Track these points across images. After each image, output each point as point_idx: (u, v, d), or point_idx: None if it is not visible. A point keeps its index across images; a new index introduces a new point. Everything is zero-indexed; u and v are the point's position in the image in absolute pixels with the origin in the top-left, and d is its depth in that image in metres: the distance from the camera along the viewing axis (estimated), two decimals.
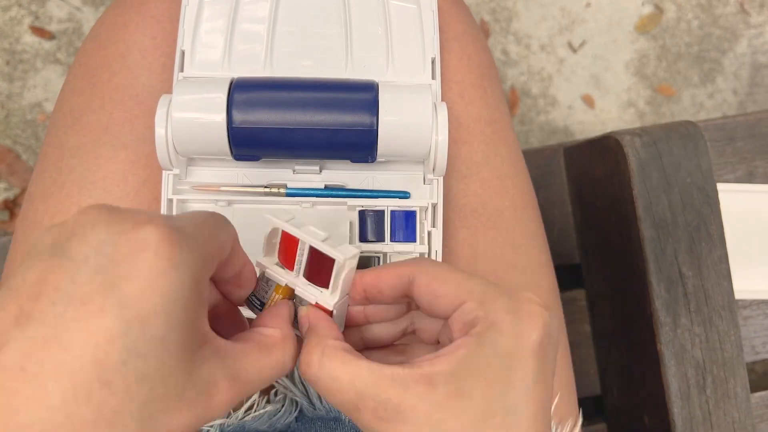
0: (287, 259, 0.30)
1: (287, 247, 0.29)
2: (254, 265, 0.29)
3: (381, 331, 0.31)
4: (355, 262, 0.29)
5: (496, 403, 0.24)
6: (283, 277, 0.30)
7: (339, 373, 0.25)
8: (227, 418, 0.38)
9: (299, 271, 0.29)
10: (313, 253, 0.29)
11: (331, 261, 0.28)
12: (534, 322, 0.26)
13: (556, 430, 0.40)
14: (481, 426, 0.24)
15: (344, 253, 0.28)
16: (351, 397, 0.25)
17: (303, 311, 0.29)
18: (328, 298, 0.29)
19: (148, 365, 0.21)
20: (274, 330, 0.27)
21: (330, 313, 0.29)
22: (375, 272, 0.29)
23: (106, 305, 0.20)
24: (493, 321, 0.25)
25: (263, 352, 0.26)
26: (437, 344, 0.30)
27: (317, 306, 0.29)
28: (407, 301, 0.30)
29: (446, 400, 0.24)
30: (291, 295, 0.30)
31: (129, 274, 0.21)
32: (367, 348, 0.31)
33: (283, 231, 0.29)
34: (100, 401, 0.20)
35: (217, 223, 0.25)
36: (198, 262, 0.23)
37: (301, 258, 0.29)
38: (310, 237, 0.28)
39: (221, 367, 0.24)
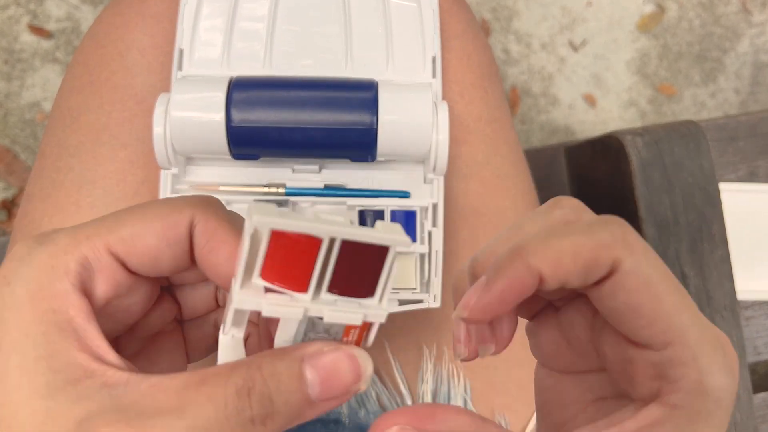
0: (289, 275, 0.19)
1: (289, 255, 0.19)
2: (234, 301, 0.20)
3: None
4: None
5: None
6: (293, 305, 0.19)
7: None
8: None
9: (321, 285, 0.20)
10: (346, 250, 0.19)
11: (374, 254, 0.19)
12: (734, 356, 0.20)
13: None
14: None
15: (395, 236, 0.19)
16: None
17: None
18: (379, 307, 0.20)
19: None
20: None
21: (368, 326, 0.21)
22: (551, 253, 0.19)
23: None
24: (710, 388, 0.19)
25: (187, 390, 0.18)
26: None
27: (364, 326, 0.20)
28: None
29: None
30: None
31: None
32: None
33: (275, 233, 0.19)
34: None
35: (129, 215, 0.20)
36: (42, 277, 0.19)
37: (325, 264, 0.19)
38: (339, 227, 0.19)
39: (109, 407, 0.18)
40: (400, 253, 0.37)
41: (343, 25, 0.38)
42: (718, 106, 1.20)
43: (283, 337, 0.20)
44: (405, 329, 0.39)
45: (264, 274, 0.19)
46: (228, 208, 0.37)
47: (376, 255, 0.19)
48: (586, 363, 0.22)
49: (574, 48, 1.18)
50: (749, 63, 1.21)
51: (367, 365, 0.20)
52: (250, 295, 0.19)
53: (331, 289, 0.20)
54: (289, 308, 0.19)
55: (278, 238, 0.19)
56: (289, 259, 0.19)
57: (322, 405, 0.19)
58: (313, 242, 0.19)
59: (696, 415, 0.18)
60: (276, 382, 0.18)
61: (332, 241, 0.19)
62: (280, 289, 0.19)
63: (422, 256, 0.37)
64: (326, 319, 0.20)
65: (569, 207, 0.21)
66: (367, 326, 0.20)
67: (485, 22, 1.17)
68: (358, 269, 0.20)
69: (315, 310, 0.20)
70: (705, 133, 0.51)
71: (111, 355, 0.19)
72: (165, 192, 0.36)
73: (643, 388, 0.19)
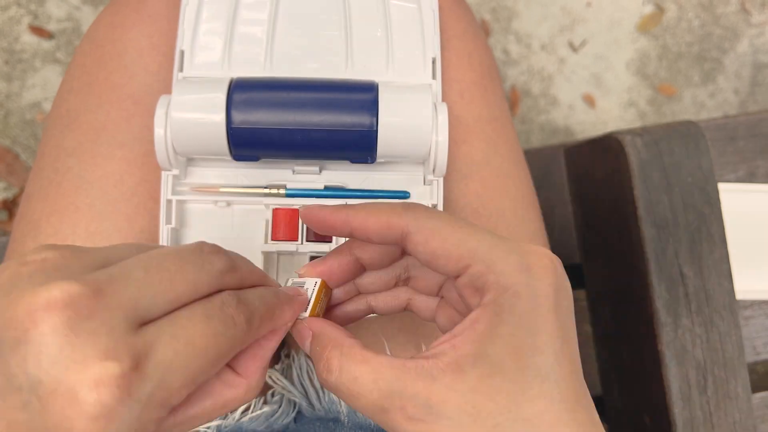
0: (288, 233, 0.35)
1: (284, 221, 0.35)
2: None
3: (373, 279, 0.29)
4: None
5: (529, 372, 0.22)
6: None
7: (359, 372, 0.23)
8: (224, 419, 0.38)
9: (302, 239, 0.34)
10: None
11: None
12: (547, 277, 0.24)
13: None
14: (520, 401, 0.22)
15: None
16: (375, 398, 0.23)
17: (300, 325, 0.27)
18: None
19: None
20: (240, 382, 0.25)
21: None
22: (363, 214, 0.26)
23: None
24: (506, 284, 0.23)
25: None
26: (437, 296, 0.29)
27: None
28: (400, 247, 0.28)
29: (478, 383, 0.22)
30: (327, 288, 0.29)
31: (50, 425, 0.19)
32: (360, 294, 0.30)
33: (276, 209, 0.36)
34: None
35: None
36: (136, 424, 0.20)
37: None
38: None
39: None
40: None
41: (343, 28, 0.38)
42: (718, 107, 1.20)
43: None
44: (404, 328, 0.39)
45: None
46: (229, 209, 0.37)
47: None
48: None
49: (574, 48, 1.18)
50: (748, 63, 1.21)
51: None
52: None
53: (308, 238, 0.35)
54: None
55: (276, 213, 0.35)
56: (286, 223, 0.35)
57: None
58: (295, 212, 0.34)
59: (499, 308, 0.23)
60: None
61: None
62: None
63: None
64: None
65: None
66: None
67: (485, 23, 1.17)
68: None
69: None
70: (704, 134, 0.51)
71: None
72: (166, 193, 0.36)
73: (472, 305, 0.25)
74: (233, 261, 0.24)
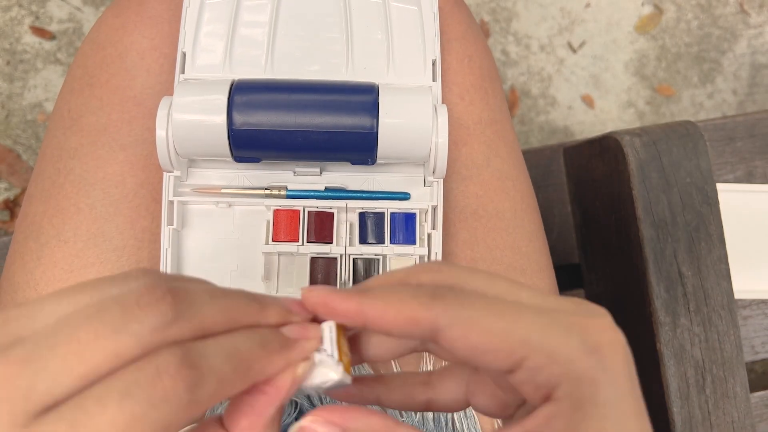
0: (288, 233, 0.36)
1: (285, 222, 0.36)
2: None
3: (381, 346, 0.24)
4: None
5: None
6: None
7: None
8: None
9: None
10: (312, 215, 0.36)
11: (328, 216, 0.36)
12: (619, 355, 0.21)
13: None
14: None
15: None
16: None
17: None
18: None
19: None
20: None
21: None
22: (380, 305, 0.21)
23: None
24: (579, 374, 0.20)
25: None
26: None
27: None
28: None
29: None
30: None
31: None
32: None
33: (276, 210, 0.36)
34: None
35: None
36: None
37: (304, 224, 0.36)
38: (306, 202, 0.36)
39: None
40: (400, 256, 0.37)
41: (343, 30, 0.39)
42: (716, 107, 1.20)
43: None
44: None
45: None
46: (230, 210, 0.37)
47: (329, 216, 0.35)
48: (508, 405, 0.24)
49: (573, 49, 1.19)
50: (747, 64, 1.22)
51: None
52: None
53: (309, 239, 0.36)
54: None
55: (277, 213, 0.36)
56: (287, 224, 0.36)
57: None
58: (296, 213, 0.36)
59: (578, 402, 0.20)
60: None
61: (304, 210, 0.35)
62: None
63: (421, 258, 0.37)
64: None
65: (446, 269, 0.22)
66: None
67: (484, 24, 1.17)
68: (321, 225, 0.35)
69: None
70: (703, 134, 0.51)
71: None
72: (167, 194, 0.36)
73: (536, 400, 0.21)
74: (181, 307, 0.19)
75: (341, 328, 0.22)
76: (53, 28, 1.08)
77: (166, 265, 0.36)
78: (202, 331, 0.19)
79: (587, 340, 0.20)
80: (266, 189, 0.37)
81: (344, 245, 0.37)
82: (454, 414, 0.38)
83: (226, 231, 0.38)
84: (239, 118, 0.34)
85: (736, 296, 0.51)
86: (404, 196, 0.38)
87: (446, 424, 0.38)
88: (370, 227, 0.37)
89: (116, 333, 0.18)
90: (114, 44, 0.41)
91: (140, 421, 0.17)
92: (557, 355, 0.20)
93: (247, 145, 0.34)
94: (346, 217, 0.38)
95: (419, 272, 0.22)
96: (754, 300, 0.60)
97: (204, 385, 0.18)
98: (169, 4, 0.41)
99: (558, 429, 0.20)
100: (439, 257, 0.37)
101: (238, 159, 0.36)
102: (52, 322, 0.18)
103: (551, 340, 0.20)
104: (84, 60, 0.42)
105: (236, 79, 0.35)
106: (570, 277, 0.62)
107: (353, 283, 0.37)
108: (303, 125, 0.34)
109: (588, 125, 1.17)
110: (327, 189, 0.38)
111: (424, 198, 0.38)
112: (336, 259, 0.37)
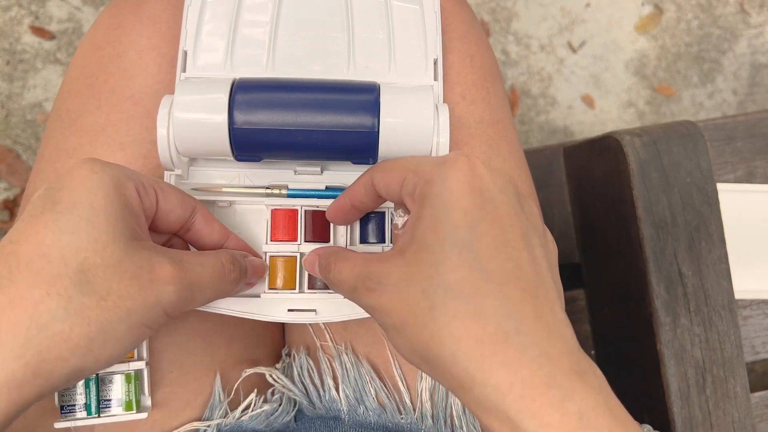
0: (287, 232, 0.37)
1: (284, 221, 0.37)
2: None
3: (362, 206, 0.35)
4: None
5: (447, 245, 0.26)
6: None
7: (344, 267, 0.30)
8: (224, 418, 0.38)
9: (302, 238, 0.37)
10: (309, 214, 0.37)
11: (323, 216, 0.37)
12: (457, 164, 0.27)
13: None
14: (441, 270, 0.25)
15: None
16: (351, 282, 0.29)
17: (309, 256, 0.35)
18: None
19: (78, 239, 0.26)
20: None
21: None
22: (349, 191, 0.33)
23: (45, 205, 0.27)
24: (425, 179, 0.28)
25: (202, 254, 0.31)
26: None
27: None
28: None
29: (412, 258, 0.27)
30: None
31: (62, 186, 0.28)
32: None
33: (274, 210, 0.37)
34: (38, 268, 0.25)
35: (144, 180, 0.30)
36: (118, 174, 0.28)
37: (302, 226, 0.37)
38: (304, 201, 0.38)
39: (162, 253, 0.29)
40: None
41: (345, 29, 0.39)
42: (716, 107, 1.20)
43: None
44: None
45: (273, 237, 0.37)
46: (230, 209, 0.38)
47: (324, 215, 0.36)
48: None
49: (573, 49, 1.19)
50: (747, 64, 1.22)
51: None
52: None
53: (307, 238, 0.37)
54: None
55: (275, 213, 0.37)
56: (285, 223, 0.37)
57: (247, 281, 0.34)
58: (293, 212, 0.37)
59: (422, 197, 0.28)
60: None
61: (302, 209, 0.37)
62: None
63: None
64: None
65: None
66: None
67: (485, 23, 1.17)
68: (317, 224, 0.37)
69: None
70: (703, 134, 0.51)
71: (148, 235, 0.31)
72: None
73: (412, 209, 0.29)
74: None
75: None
76: (53, 27, 1.08)
77: None
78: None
79: (441, 158, 0.28)
80: (267, 188, 0.37)
81: (345, 244, 0.37)
82: (453, 411, 0.38)
83: None
84: (240, 117, 0.34)
85: (737, 296, 0.51)
86: None
87: (445, 421, 0.38)
88: (370, 227, 0.37)
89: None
90: (112, 44, 0.41)
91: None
92: (419, 168, 0.28)
93: (248, 144, 0.34)
94: None
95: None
96: (754, 300, 0.60)
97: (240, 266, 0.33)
98: (167, 3, 0.41)
99: (412, 220, 0.28)
100: None
101: (238, 158, 0.36)
102: None
103: (422, 162, 0.29)
104: (82, 60, 0.42)
105: (237, 78, 0.35)
106: (570, 277, 0.62)
107: None
108: (304, 124, 0.34)
109: (588, 125, 1.17)
110: (328, 188, 0.38)
111: None
112: None
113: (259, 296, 0.36)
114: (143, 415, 0.35)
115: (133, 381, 0.34)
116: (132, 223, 0.28)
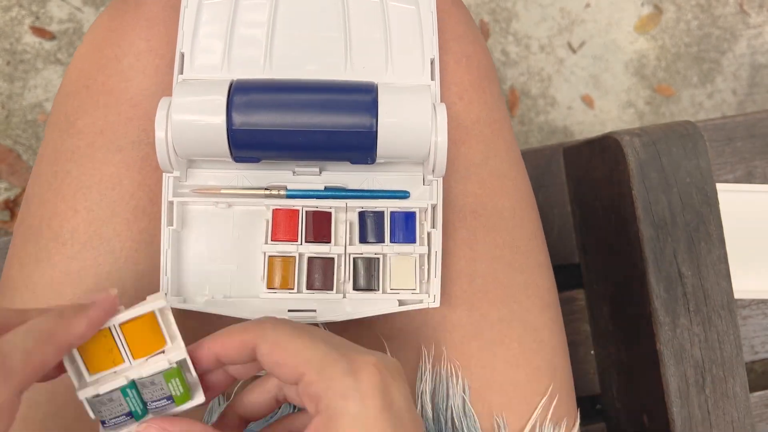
0: (287, 233, 0.36)
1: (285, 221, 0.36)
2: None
3: (252, 401, 0.30)
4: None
5: None
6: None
7: None
8: None
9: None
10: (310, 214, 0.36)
11: (326, 216, 0.36)
12: (370, 377, 0.25)
13: (554, 429, 0.41)
14: None
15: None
16: None
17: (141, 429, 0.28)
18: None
19: None
20: None
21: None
22: (221, 339, 0.28)
23: None
24: (335, 391, 0.25)
25: None
26: None
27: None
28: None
29: None
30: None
31: None
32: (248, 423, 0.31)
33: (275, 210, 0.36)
34: None
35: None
36: None
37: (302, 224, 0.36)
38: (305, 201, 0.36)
39: None
40: (400, 254, 0.37)
41: (342, 29, 0.39)
42: (716, 107, 1.20)
43: None
44: (404, 329, 0.40)
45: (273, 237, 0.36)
46: (229, 210, 0.38)
47: (326, 216, 0.36)
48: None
49: (573, 49, 1.19)
50: (747, 64, 1.22)
51: None
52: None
53: (308, 238, 0.36)
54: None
55: (276, 213, 0.36)
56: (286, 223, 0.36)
57: None
58: (294, 212, 0.36)
59: (332, 412, 0.25)
60: None
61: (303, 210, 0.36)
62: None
63: (421, 256, 0.37)
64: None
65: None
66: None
67: (484, 24, 1.17)
68: (318, 224, 0.36)
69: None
70: (702, 134, 0.51)
71: None
72: (167, 195, 0.36)
73: (311, 412, 0.26)
74: None
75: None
76: (53, 28, 1.08)
77: (166, 266, 0.36)
78: None
79: (350, 366, 0.25)
80: (266, 189, 0.37)
81: (344, 244, 0.37)
82: (453, 414, 0.38)
83: (225, 231, 0.38)
84: (238, 119, 0.34)
85: (736, 296, 0.51)
86: (404, 195, 0.38)
87: (445, 423, 0.38)
88: (369, 226, 0.37)
89: None
90: (110, 46, 0.41)
91: None
92: (324, 373, 0.25)
93: (246, 145, 0.34)
94: (345, 216, 0.38)
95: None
96: (754, 300, 0.60)
97: (10, 358, 0.23)
98: (165, 5, 0.41)
99: None
100: (439, 256, 0.37)
101: (237, 159, 0.36)
102: None
103: (324, 361, 0.26)
104: (81, 62, 0.42)
105: (235, 79, 0.35)
106: (569, 277, 0.62)
107: (353, 282, 0.37)
108: (302, 125, 0.34)
109: (588, 125, 1.17)
110: (327, 188, 0.38)
111: (424, 197, 0.38)
112: (333, 259, 0.37)
113: (258, 297, 0.36)
114: (201, 399, 0.30)
115: (176, 375, 0.29)
116: None
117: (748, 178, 0.62)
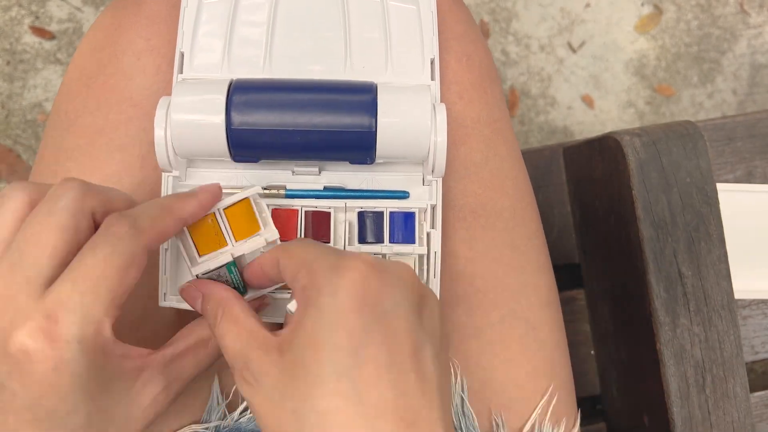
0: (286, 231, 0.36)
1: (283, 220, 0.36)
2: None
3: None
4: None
5: (325, 367, 0.24)
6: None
7: (227, 330, 0.28)
8: (222, 420, 0.38)
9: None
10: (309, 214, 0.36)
11: (325, 216, 0.37)
12: (351, 273, 0.25)
13: (553, 429, 0.41)
14: (316, 394, 0.23)
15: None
16: (230, 355, 0.27)
17: (189, 287, 0.32)
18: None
19: (36, 414, 0.24)
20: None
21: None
22: (262, 257, 0.31)
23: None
24: (316, 282, 0.26)
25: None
26: None
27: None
28: None
29: (291, 367, 0.25)
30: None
31: (17, 379, 0.24)
32: None
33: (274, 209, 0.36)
34: None
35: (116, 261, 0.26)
36: (89, 334, 0.25)
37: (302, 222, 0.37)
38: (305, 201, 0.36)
39: (138, 388, 0.28)
40: (399, 255, 0.37)
41: (342, 29, 0.39)
42: (716, 107, 1.20)
43: None
44: None
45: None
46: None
47: (325, 216, 0.36)
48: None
49: (573, 49, 1.19)
50: (747, 64, 1.22)
51: None
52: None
53: (306, 235, 0.36)
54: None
55: (275, 213, 0.36)
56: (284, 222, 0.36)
57: None
58: (293, 212, 0.36)
59: (306, 300, 0.25)
60: None
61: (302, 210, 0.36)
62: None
63: (421, 257, 0.37)
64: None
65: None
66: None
67: (484, 24, 1.17)
68: (318, 225, 0.36)
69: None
70: (703, 134, 0.51)
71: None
72: (166, 194, 0.36)
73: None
74: (85, 185, 0.27)
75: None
76: (53, 28, 1.08)
77: (165, 266, 0.36)
78: (110, 202, 0.28)
79: (338, 263, 0.26)
80: (265, 189, 0.37)
81: (343, 245, 0.37)
82: (453, 413, 0.38)
83: None
84: (238, 118, 0.34)
85: (736, 296, 0.51)
86: (403, 195, 0.38)
87: None
88: (369, 226, 0.37)
89: (54, 218, 0.26)
90: (111, 45, 0.41)
91: (110, 258, 0.25)
92: (311, 268, 0.26)
93: (245, 145, 0.34)
94: (345, 216, 0.38)
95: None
96: (754, 300, 0.60)
97: (140, 222, 0.27)
98: (165, 4, 0.41)
99: (295, 322, 0.26)
100: (438, 256, 0.37)
101: (236, 159, 0.36)
102: (15, 242, 0.26)
103: (318, 259, 0.26)
104: (81, 61, 0.42)
105: (235, 78, 0.35)
106: (570, 277, 0.62)
107: None
108: (302, 125, 0.34)
109: (588, 125, 1.17)
110: (326, 188, 0.38)
111: (423, 197, 0.38)
112: None
113: None
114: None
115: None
116: (105, 370, 0.26)
117: (748, 178, 0.62)
